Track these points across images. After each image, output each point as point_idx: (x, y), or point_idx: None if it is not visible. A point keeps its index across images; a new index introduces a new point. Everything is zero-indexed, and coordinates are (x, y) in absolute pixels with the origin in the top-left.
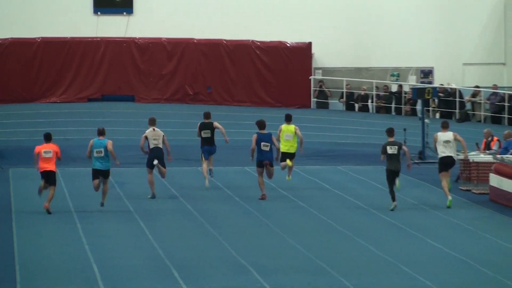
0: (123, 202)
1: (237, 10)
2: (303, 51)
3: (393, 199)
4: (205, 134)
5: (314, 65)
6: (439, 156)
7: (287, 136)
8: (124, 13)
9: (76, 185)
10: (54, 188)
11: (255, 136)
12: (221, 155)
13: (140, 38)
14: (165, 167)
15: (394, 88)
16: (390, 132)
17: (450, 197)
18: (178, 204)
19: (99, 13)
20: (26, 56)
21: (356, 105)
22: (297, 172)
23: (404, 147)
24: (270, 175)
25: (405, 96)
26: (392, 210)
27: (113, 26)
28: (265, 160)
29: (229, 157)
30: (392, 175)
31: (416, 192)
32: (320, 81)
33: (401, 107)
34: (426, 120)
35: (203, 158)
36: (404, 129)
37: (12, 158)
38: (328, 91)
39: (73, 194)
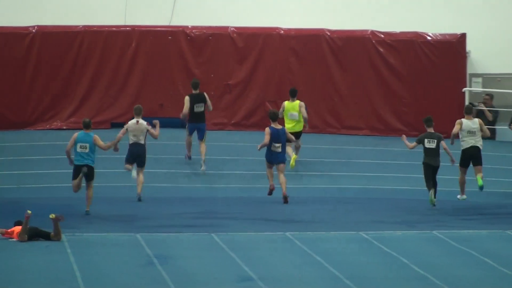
0: None
1: None
2: (452, 47)
3: (434, 194)
4: (199, 108)
5: (469, 70)
6: (462, 147)
7: (292, 115)
8: None
9: (86, 259)
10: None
11: (268, 130)
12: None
13: (193, 28)
14: (144, 165)
15: None
16: (429, 121)
17: (464, 196)
18: None
19: None
20: (14, 55)
21: None
22: (442, 240)
23: (443, 142)
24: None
25: None
26: (433, 205)
27: (151, 9)
28: (276, 162)
29: None
30: (431, 170)
31: None
32: (487, 94)
33: None
34: None
35: (188, 134)
36: None
37: None
38: (491, 111)
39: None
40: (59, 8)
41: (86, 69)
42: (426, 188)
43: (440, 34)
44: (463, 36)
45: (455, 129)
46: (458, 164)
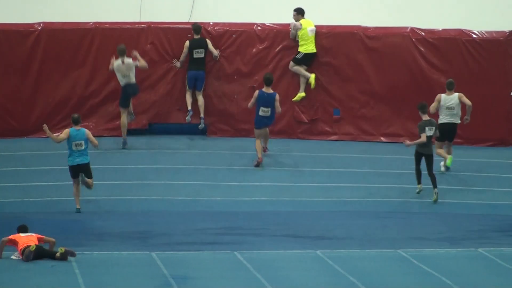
0: None
1: None
2: (500, 46)
3: (419, 181)
4: (198, 54)
5: None
6: (440, 121)
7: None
8: None
9: (97, 280)
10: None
11: (255, 93)
12: None
13: (215, 24)
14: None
15: None
16: (424, 108)
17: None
18: None
19: None
20: (17, 56)
21: None
22: (488, 258)
23: (438, 131)
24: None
25: None
26: (417, 193)
27: (168, 4)
28: (263, 126)
29: None
30: (421, 157)
31: None
32: None
33: None
34: None
35: (189, 87)
36: None
37: None
38: None
39: None
40: (67, 3)
41: (97, 71)
42: (429, 187)
43: (487, 32)
44: (511, 34)
45: (433, 105)
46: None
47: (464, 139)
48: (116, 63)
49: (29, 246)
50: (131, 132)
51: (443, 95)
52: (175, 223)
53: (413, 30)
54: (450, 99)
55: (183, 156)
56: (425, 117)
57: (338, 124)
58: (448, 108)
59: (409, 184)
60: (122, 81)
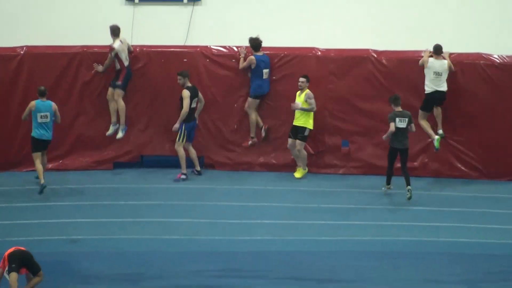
0: None
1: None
2: None
3: (389, 181)
4: (194, 104)
5: None
6: (426, 91)
7: (296, 104)
8: (185, 0)
9: None
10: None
11: (253, 59)
12: None
13: (215, 48)
14: None
15: None
16: (397, 100)
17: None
18: None
19: (136, 0)
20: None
21: None
22: None
23: (413, 125)
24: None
25: None
26: (383, 192)
27: (162, 26)
28: (265, 92)
29: None
30: (396, 154)
31: None
32: None
33: None
34: None
35: (184, 139)
36: None
37: None
38: None
39: None
40: (52, 26)
41: (84, 98)
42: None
43: (508, 56)
44: None
45: (421, 61)
46: (420, 109)
47: (483, 173)
48: (116, 44)
49: None
50: (121, 165)
51: (431, 58)
52: (170, 265)
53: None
54: (438, 64)
55: (178, 191)
56: (398, 109)
57: (347, 156)
58: (436, 73)
59: (422, 222)
60: (125, 62)
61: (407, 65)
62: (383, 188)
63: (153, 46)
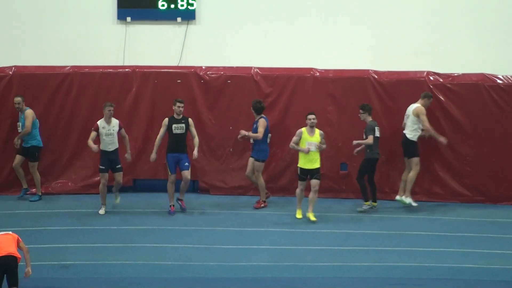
0: None
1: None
2: None
3: (368, 198)
4: (178, 129)
5: None
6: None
7: (310, 145)
8: (179, 18)
9: None
10: None
11: (264, 121)
12: None
13: (207, 68)
14: None
15: None
16: (371, 110)
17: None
18: None
19: (128, 18)
20: None
21: None
22: None
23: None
24: None
25: None
26: (363, 211)
27: (155, 47)
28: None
29: None
30: (375, 165)
31: None
32: None
33: None
34: None
35: (170, 172)
36: None
37: None
38: None
39: None
40: (41, 46)
41: (75, 119)
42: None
43: (511, 76)
44: None
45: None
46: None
47: (487, 196)
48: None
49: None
50: (111, 187)
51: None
52: None
53: (429, 74)
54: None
55: (172, 216)
56: (371, 118)
57: (346, 180)
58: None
59: (424, 247)
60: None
61: (406, 86)
62: (363, 208)
63: (145, 67)
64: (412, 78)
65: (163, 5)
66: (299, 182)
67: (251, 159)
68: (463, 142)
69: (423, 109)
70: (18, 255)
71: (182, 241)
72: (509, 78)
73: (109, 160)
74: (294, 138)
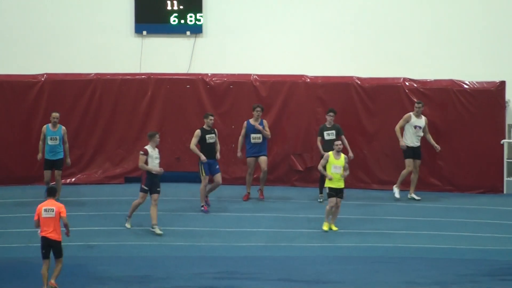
0: None
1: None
2: (491, 96)
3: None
4: (211, 139)
5: (509, 120)
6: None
7: (336, 168)
8: (188, 32)
9: None
10: (61, 261)
11: (244, 124)
12: None
13: (213, 75)
14: None
15: None
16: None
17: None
18: None
19: (144, 32)
20: (22, 105)
21: None
22: None
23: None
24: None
25: None
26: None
27: (167, 56)
28: (256, 154)
29: None
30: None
31: None
32: None
33: None
34: None
35: (204, 174)
36: None
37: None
38: None
39: None
40: (69, 55)
41: (98, 120)
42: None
43: (478, 82)
44: (502, 84)
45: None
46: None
47: (455, 186)
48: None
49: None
50: (131, 179)
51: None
52: (174, 268)
53: (405, 80)
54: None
55: (181, 203)
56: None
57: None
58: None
59: (399, 230)
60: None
61: (385, 90)
62: (319, 200)
63: (159, 74)
64: (390, 83)
65: (174, 21)
66: (329, 200)
67: (264, 157)
68: (435, 139)
69: (405, 116)
70: (58, 235)
71: (191, 225)
72: (474, 83)
73: (153, 182)
74: (322, 161)
